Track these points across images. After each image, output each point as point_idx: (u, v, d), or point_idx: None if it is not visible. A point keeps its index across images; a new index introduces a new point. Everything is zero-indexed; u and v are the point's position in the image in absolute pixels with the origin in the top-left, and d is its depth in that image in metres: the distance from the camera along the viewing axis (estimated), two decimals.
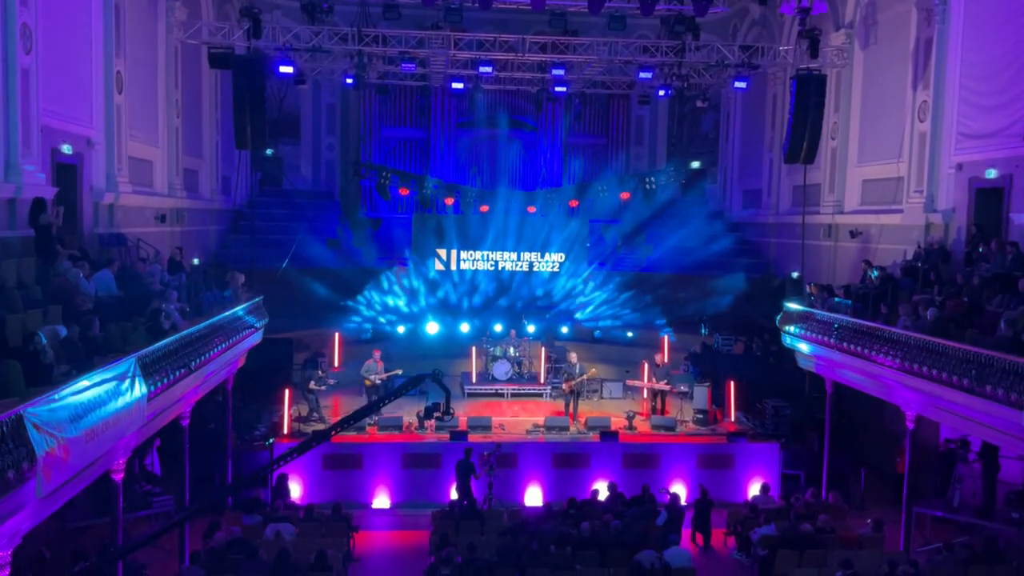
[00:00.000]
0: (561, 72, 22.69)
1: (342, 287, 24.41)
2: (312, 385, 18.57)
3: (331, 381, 19.30)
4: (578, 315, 25.95)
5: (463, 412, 18.61)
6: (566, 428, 18.14)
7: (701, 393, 19.11)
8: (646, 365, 20.44)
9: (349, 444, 16.71)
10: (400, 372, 19.44)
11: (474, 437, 17.03)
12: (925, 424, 14.54)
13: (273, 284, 21.64)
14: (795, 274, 23.32)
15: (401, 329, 24.55)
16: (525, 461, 17.08)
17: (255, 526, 14.08)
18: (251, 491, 16.15)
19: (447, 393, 13.43)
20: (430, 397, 20.32)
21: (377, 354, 19.34)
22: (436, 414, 14.40)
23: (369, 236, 27.93)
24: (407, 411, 18.83)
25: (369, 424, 17.96)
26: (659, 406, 19.56)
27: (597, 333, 25.36)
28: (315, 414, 18.40)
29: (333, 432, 12.19)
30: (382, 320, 24.90)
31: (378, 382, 18.87)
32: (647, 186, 27.31)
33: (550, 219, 27.07)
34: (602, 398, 21.16)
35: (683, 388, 19.54)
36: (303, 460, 15.57)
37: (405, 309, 25.54)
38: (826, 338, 15.99)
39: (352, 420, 12.19)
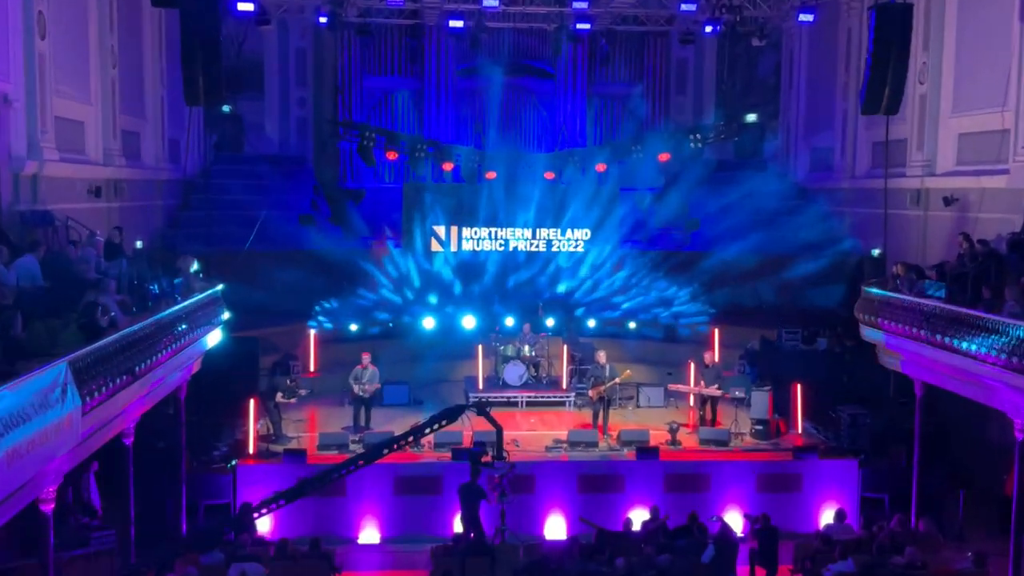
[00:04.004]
0: (584, 5, 22.62)
1: (318, 274, 24.45)
2: (279, 397, 18.62)
3: (302, 391, 19.36)
4: (607, 305, 25.91)
5: (468, 426, 18.62)
6: (595, 443, 18.18)
7: (761, 399, 19.09)
8: (692, 365, 20.40)
9: (329, 466, 16.73)
10: (383, 382, 19.47)
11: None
12: None
13: (234, 270, 21.68)
14: (876, 251, 23.19)
15: (391, 324, 24.58)
16: (545, 484, 17.12)
17: (216, 566, 14.16)
18: (211, 522, 16.29)
19: (499, 430, 13.52)
20: (426, 408, 20.41)
21: (367, 357, 19.37)
22: (485, 459, 14.56)
23: (350, 210, 27.92)
24: (398, 423, 18.85)
25: (353, 441, 18.06)
26: (709, 416, 19.56)
27: (632, 326, 25.34)
28: (275, 432, 18.45)
29: (340, 474, 12.48)
30: (364, 314, 24.94)
31: (363, 394, 18.90)
32: (692, 145, 27.19)
33: (572, 187, 26.97)
34: (638, 407, 21.15)
35: (738, 393, 19.52)
36: (271, 485, 15.65)
37: (395, 300, 25.58)
38: (915, 329, 15.89)
39: (363, 461, 12.47)
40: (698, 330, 24.15)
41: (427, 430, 14.16)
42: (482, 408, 13.26)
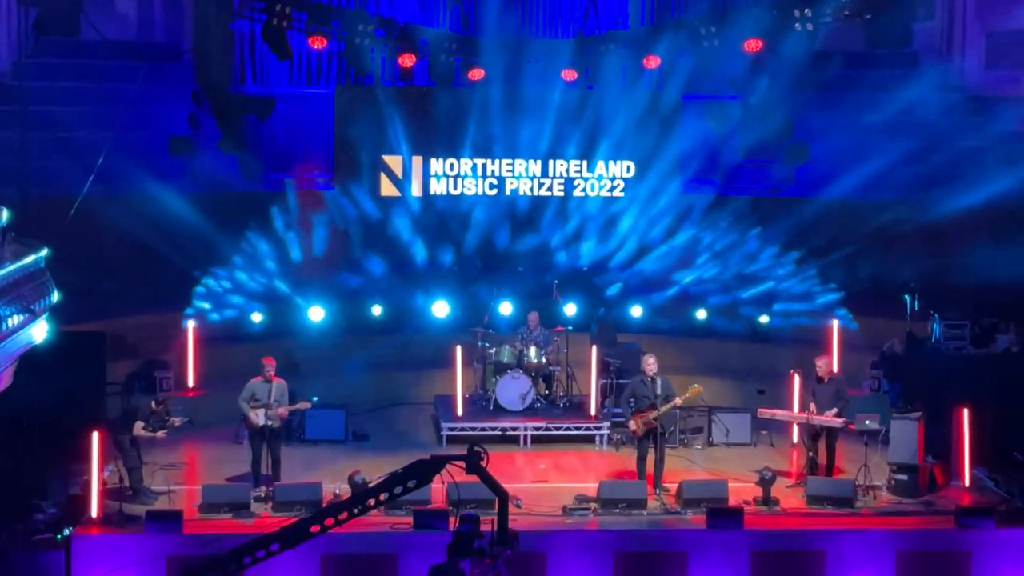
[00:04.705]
0: None
1: (200, 232, 24.42)
2: (140, 428, 18.60)
3: (176, 420, 19.31)
4: (661, 282, 25.94)
5: (441, 474, 18.62)
6: (641, 502, 18.20)
7: (906, 432, 19.09)
8: (797, 379, 20.47)
9: (220, 539, 16.64)
10: (314, 401, 19.42)
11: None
12: None
13: (67, 228, 21.63)
14: None
15: (316, 313, 24.56)
16: (562, 566, 17.13)
17: None
18: None
19: (502, 498, 13.29)
20: (373, 446, 20.34)
21: (270, 365, 19.34)
22: (478, 544, 14.27)
23: (251, 131, 27.85)
24: (327, 472, 18.98)
25: (256, 498, 18.12)
26: (823, 458, 19.54)
27: (701, 317, 25.34)
28: (132, 484, 18.42)
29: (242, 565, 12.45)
30: (273, 297, 24.95)
31: (269, 423, 18.87)
32: (798, 27, 27.06)
33: (607, 95, 26.97)
34: (711, 444, 21.28)
35: (869, 423, 19.48)
36: (133, 572, 15.78)
37: (321, 273, 25.57)
38: None
39: (279, 543, 12.42)
40: (805, 323, 24.28)
41: (383, 495, 13.99)
42: (475, 460, 12.93)
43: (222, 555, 13.60)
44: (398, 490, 13.61)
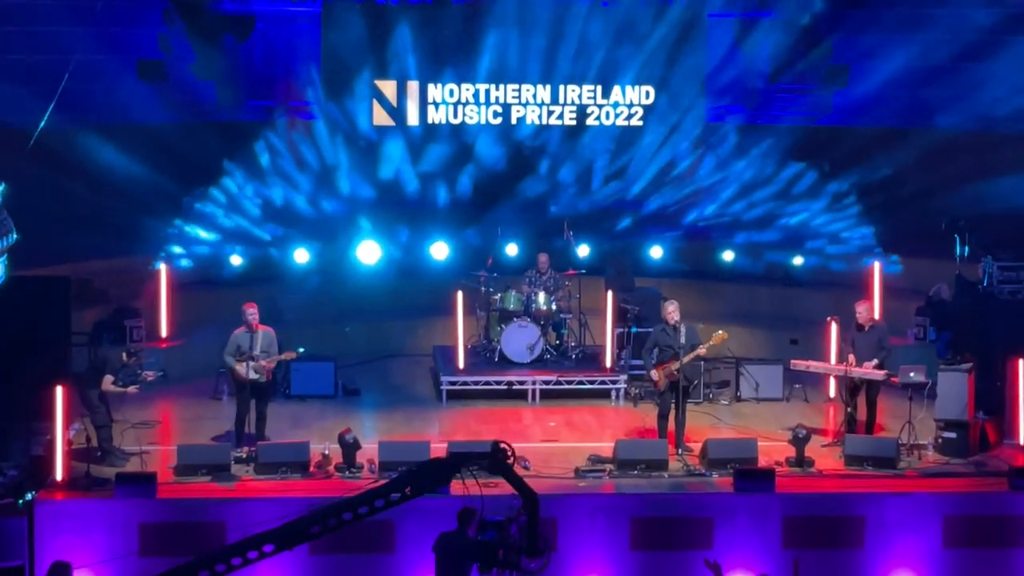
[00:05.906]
0: None
1: (172, 166, 24.38)
2: (109, 383, 18.63)
3: (149, 374, 19.33)
4: (683, 218, 25.93)
5: (440, 431, 18.65)
6: (662, 463, 18.24)
7: (954, 385, 19.08)
8: (834, 327, 20.48)
9: (198, 504, 16.87)
10: (300, 352, 19.48)
11: (464, 487, 17.03)
12: None
13: (23, 161, 21.60)
14: None
15: (301, 255, 24.56)
16: (574, 534, 17.16)
17: None
18: None
19: (531, 501, 13.25)
20: (366, 402, 20.42)
21: (252, 311, 19.33)
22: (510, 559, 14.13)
23: (229, 53, 27.75)
24: (316, 432, 19.00)
25: (238, 459, 18.20)
26: (862, 415, 19.56)
27: (727, 258, 25.33)
28: (101, 444, 18.48)
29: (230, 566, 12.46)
30: (253, 239, 24.95)
31: (257, 376, 18.89)
32: None
33: (623, 12, 26.82)
34: (739, 398, 21.34)
35: (914, 376, 19.50)
36: (102, 540, 15.78)
37: (305, 212, 25.57)
38: None
39: (274, 543, 12.41)
40: (843, 265, 24.37)
41: (393, 495, 13.93)
42: (500, 459, 12.78)
43: (208, 554, 13.66)
44: (409, 491, 13.60)
